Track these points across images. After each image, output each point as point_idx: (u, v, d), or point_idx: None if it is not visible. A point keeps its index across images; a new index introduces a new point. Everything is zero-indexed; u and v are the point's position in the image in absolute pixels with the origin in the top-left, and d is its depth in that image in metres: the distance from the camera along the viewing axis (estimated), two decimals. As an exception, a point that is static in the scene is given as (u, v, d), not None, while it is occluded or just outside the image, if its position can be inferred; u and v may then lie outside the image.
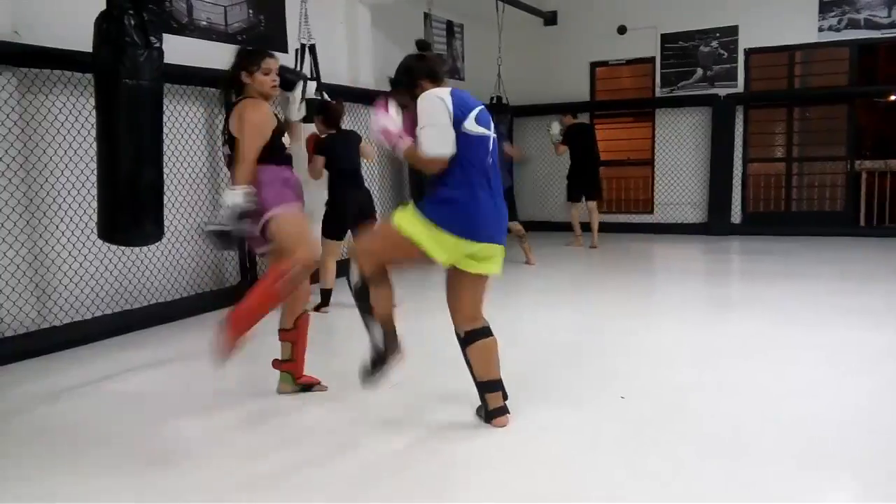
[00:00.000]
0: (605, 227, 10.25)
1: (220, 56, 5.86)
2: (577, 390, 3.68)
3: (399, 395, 3.52)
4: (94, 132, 4.37)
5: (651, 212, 10.44)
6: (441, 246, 2.92)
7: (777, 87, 9.75)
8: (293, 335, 3.60)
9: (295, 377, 3.64)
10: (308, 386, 3.66)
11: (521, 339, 4.76)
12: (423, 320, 4.16)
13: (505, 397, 3.22)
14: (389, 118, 3.05)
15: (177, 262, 5.61)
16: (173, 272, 5.60)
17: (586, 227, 9.01)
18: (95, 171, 4.15)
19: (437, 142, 2.94)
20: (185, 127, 5.67)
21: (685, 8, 9.90)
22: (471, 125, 2.96)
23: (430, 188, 3.03)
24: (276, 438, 3.15)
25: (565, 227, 9.45)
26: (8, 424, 3.42)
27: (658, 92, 10.19)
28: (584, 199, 8.97)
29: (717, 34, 9.79)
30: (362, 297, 3.09)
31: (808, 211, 9.73)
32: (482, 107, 3.07)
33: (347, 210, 5.51)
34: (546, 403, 3.48)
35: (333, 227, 5.58)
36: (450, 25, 9.67)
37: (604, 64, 10.57)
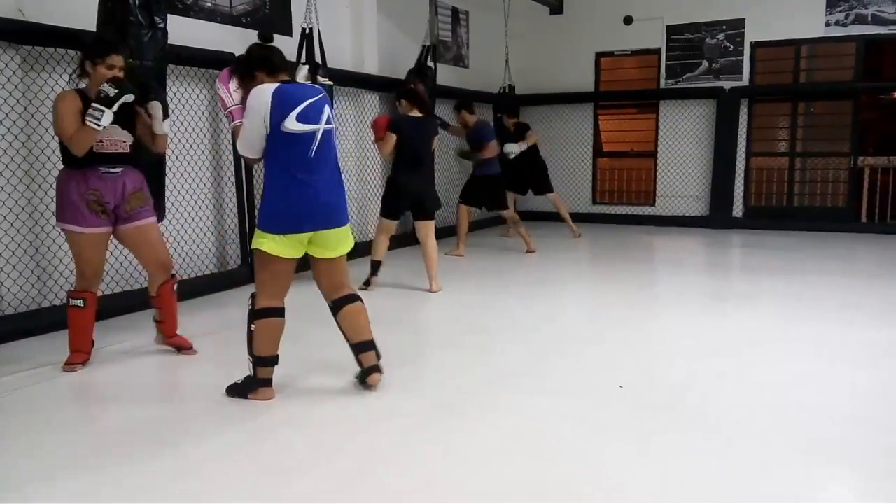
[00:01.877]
0: (606, 218, 10.27)
1: (224, 38, 5.90)
2: (575, 379, 3.69)
3: (392, 388, 3.54)
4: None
5: (652, 204, 10.43)
6: (284, 246, 3.21)
7: (782, 82, 9.70)
8: (156, 301, 4.04)
9: (165, 336, 4.10)
10: (178, 347, 4.09)
11: (518, 327, 4.77)
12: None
13: (378, 357, 3.46)
14: (227, 92, 3.31)
15: (178, 243, 5.61)
16: (174, 254, 5.59)
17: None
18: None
19: (246, 143, 3.23)
20: (187, 108, 5.66)
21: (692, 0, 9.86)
22: (291, 124, 3.14)
23: (263, 191, 3.27)
24: (279, 427, 3.17)
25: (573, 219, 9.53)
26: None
27: (663, 83, 10.15)
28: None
29: (724, 27, 9.74)
30: (248, 325, 3.34)
31: (811, 206, 9.72)
32: (315, 99, 3.24)
33: (403, 192, 5.65)
34: (544, 391, 3.50)
35: (388, 207, 5.75)
36: (455, 12, 9.63)
37: (609, 54, 10.52)
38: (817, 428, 3.03)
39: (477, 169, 7.52)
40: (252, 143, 3.21)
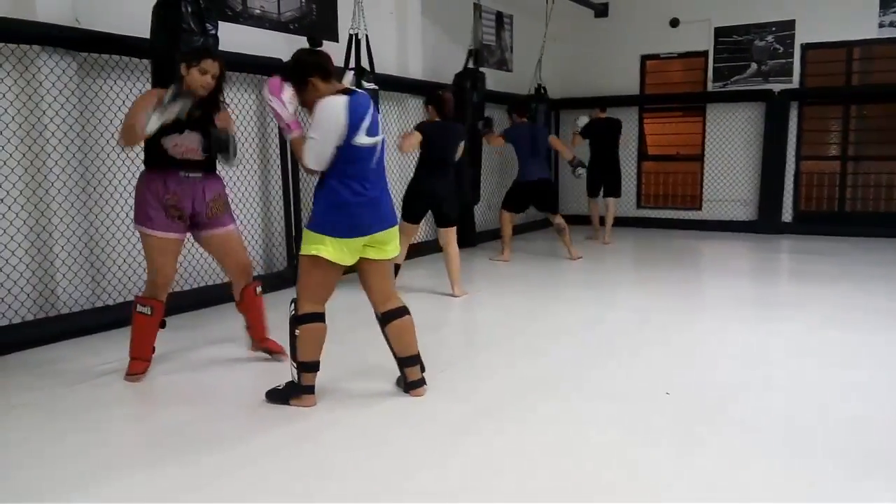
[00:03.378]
0: (651, 223, 10.15)
1: (272, 44, 6.00)
2: (619, 385, 3.67)
3: (434, 391, 3.56)
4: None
5: (699, 208, 10.28)
6: (341, 251, 3.21)
7: (834, 84, 9.49)
8: (242, 307, 4.04)
9: (255, 340, 4.10)
10: (269, 351, 4.08)
11: (562, 331, 4.75)
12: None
13: (422, 370, 3.49)
14: (281, 103, 3.22)
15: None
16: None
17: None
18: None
19: (315, 155, 3.16)
20: (237, 113, 5.76)
21: (740, 1, 9.70)
22: (361, 139, 3.17)
23: (318, 196, 3.27)
24: (306, 434, 3.21)
25: (621, 223, 9.55)
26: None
27: (710, 86, 10.01)
28: (602, 194, 8.90)
29: (773, 28, 9.58)
30: (290, 331, 3.33)
31: (863, 211, 9.48)
32: (374, 110, 3.25)
33: (422, 197, 5.63)
34: (587, 397, 3.48)
35: (408, 210, 5.70)
36: (499, 16, 9.63)
37: (655, 57, 10.42)
38: (866, 439, 2.95)
39: (519, 175, 7.48)
40: (325, 157, 3.16)
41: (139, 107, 3.53)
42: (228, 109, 3.95)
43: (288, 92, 3.22)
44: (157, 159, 3.62)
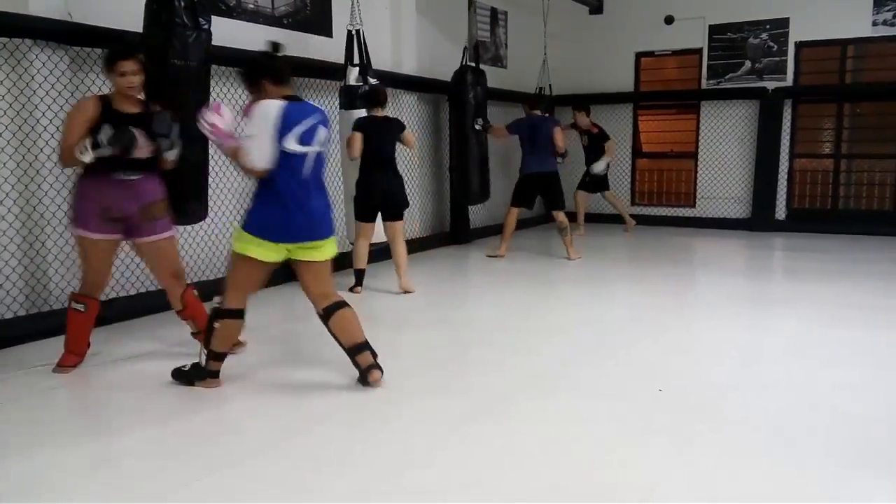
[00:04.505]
0: (645, 220, 10.16)
1: (266, 39, 5.94)
2: (613, 382, 3.67)
3: (419, 390, 3.55)
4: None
5: (693, 205, 10.30)
6: (268, 250, 3.34)
7: (827, 82, 9.51)
8: (186, 313, 3.97)
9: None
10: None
11: (557, 329, 4.75)
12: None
13: (374, 355, 3.53)
14: (220, 117, 3.33)
15: (219, 242, 5.69)
16: (215, 252, 5.68)
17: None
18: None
19: (257, 152, 3.25)
20: (230, 107, 5.71)
21: (735, -1, 9.73)
22: (291, 144, 3.27)
23: (252, 198, 3.40)
24: (297, 425, 3.19)
25: (614, 219, 9.64)
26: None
27: (704, 84, 10.02)
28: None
29: (768, 26, 9.59)
30: (210, 321, 3.48)
31: (856, 209, 9.51)
32: (315, 121, 3.34)
33: (371, 194, 5.59)
34: (582, 394, 3.48)
35: (360, 210, 5.68)
36: (494, 12, 9.61)
37: (649, 54, 10.42)
38: (859, 435, 2.96)
39: (522, 169, 7.43)
40: (266, 153, 3.26)
41: (73, 127, 3.53)
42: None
43: (227, 114, 3.35)
44: (95, 161, 3.55)
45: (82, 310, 3.76)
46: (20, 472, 2.67)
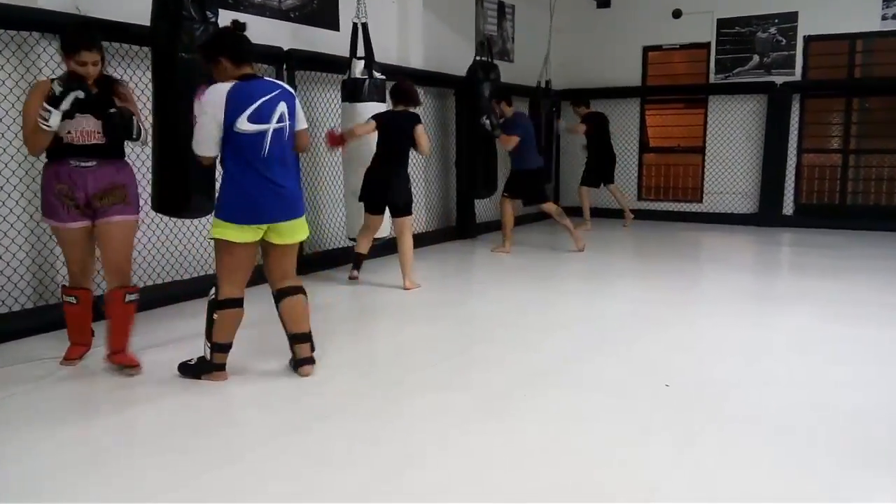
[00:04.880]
0: (652, 215, 10.14)
1: (272, 32, 5.97)
2: (618, 378, 3.67)
3: (420, 386, 3.56)
4: (150, 104, 4.47)
5: (700, 200, 10.27)
6: (243, 232, 3.33)
7: (836, 77, 9.46)
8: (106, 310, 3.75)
9: (106, 349, 3.75)
10: (121, 365, 3.67)
11: (561, 324, 4.75)
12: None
13: (312, 349, 3.58)
14: (197, 101, 3.32)
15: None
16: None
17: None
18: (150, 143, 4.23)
19: (201, 142, 3.32)
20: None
21: (743, -8, 9.68)
22: (243, 124, 3.24)
23: (221, 183, 3.40)
24: (294, 421, 3.21)
25: (620, 214, 9.63)
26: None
27: (712, 78, 9.98)
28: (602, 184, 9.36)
29: (776, 20, 9.53)
30: (208, 313, 3.47)
31: (864, 204, 9.47)
32: (268, 97, 3.30)
33: (374, 185, 5.61)
34: (586, 390, 3.48)
35: (366, 200, 5.71)
36: (501, 6, 9.58)
37: (657, 48, 10.37)
38: (863, 431, 2.96)
39: (515, 163, 7.42)
40: (206, 141, 3.30)
41: (31, 108, 3.42)
42: (129, 87, 3.88)
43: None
44: (53, 149, 3.53)
45: (74, 302, 3.77)
46: (23, 465, 2.69)
